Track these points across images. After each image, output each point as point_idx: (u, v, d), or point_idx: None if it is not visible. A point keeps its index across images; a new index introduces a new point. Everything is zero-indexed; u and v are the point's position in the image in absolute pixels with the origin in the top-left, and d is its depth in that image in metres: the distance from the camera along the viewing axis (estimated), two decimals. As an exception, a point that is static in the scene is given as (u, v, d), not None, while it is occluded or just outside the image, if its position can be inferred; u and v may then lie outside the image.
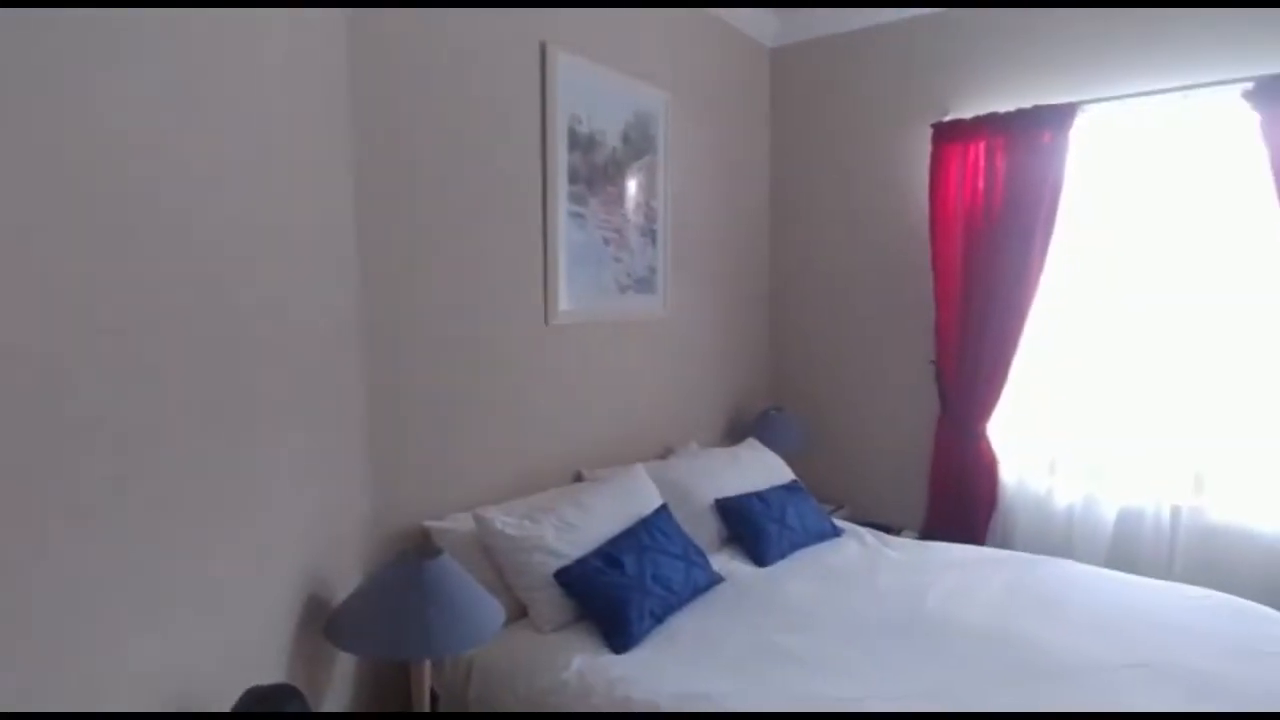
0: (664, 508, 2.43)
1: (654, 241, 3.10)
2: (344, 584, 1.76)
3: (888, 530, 3.01)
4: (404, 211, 2.13)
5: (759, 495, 2.74)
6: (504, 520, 2.11)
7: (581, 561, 2.06)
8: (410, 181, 2.14)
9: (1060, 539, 3.04)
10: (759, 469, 2.94)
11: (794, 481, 2.98)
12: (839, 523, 2.88)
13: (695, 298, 3.36)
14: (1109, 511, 2.98)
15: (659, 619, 2.03)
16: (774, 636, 1.97)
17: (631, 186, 2.97)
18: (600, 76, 2.77)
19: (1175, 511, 2.85)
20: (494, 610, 1.72)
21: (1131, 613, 2.06)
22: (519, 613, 2.05)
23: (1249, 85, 2.57)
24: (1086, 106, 2.90)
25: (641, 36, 2.97)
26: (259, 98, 1.39)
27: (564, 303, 2.66)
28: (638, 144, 2.99)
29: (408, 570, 1.63)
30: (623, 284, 2.96)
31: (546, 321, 2.60)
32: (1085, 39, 2.97)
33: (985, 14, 3.17)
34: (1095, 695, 1.66)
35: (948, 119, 3.21)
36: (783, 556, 2.54)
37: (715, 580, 2.30)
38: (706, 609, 2.14)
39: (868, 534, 2.78)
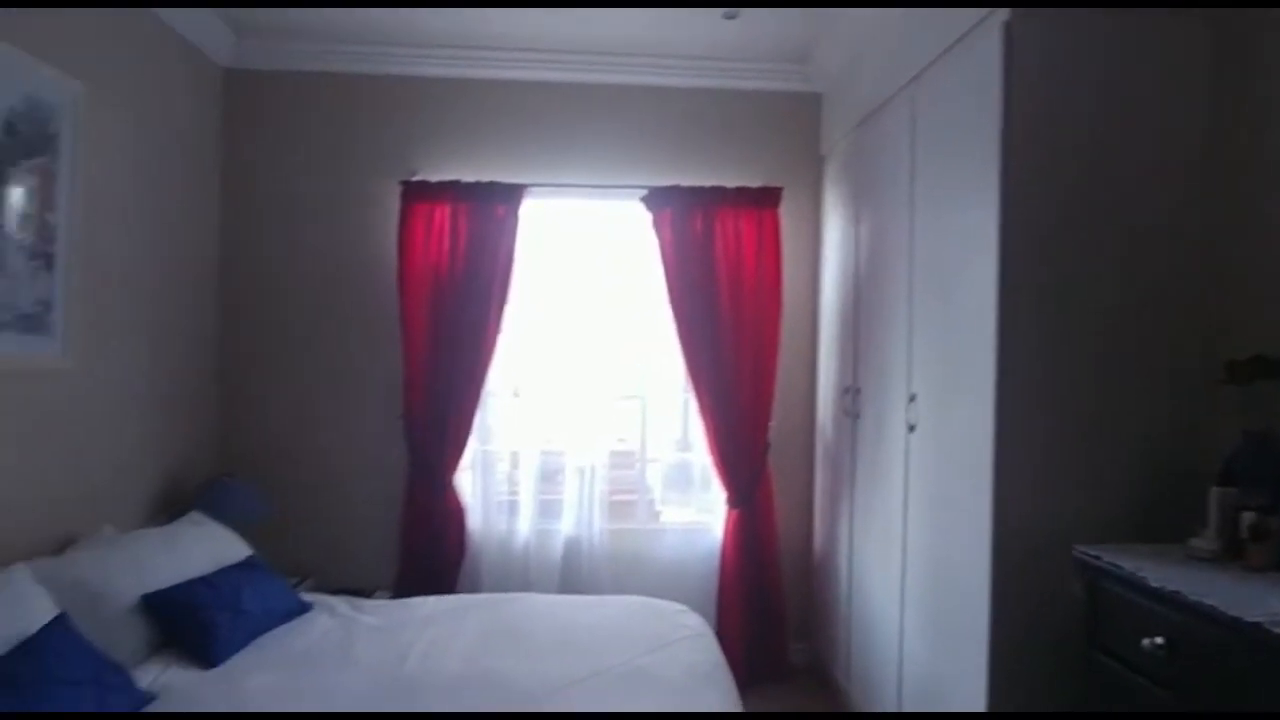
0: (60, 620, 1.80)
1: (50, 267, 2.38)
2: None
3: (362, 595, 2.83)
4: None
5: (204, 580, 2.28)
6: None
7: (-96, 727, 1.37)
8: None
9: (520, 575, 3.32)
10: (204, 549, 2.45)
11: (250, 557, 2.57)
12: (307, 596, 2.58)
13: (115, 344, 2.68)
14: (557, 543, 3.38)
15: (51, 777, 1.47)
16: (227, 752, 1.62)
17: (16, 193, 2.24)
18: (-35, 37, 2.04)
19: (603, 534, 3.40)
20: None
21: (582, 630, 2.33)
22: None
23: (644, 192, 3.33)
24: (533, 189, 3.34)
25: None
26: None
27: (-118, 342, 1.82)
28: (29, 140, 2.27)
29: None
30: (-4, 320, 2.18)
31: None
32: (530, 134, 3.43)
33: (453, 84, 3.40)
34: (564, 711, 1.81)
35: (416, 178, 3.31)
36: (239, 649, 2.14)
37: (142, 701, 1.80)
38: (130, 742, 1.65)
39: (340, 603, 2.56)
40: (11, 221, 2.23)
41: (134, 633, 2.06)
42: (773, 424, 3.40)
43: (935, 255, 2.35)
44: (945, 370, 2.27)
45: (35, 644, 1.68)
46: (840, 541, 3.13)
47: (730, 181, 3.38)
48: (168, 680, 1.95)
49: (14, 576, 1.85)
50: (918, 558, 2.42)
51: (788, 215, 3.42)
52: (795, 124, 3.53)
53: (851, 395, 3.03)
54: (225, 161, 3.38)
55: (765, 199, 3.37)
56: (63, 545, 2.33)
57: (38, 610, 1.80)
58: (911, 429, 2.46)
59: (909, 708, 2.45)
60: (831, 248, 3.38)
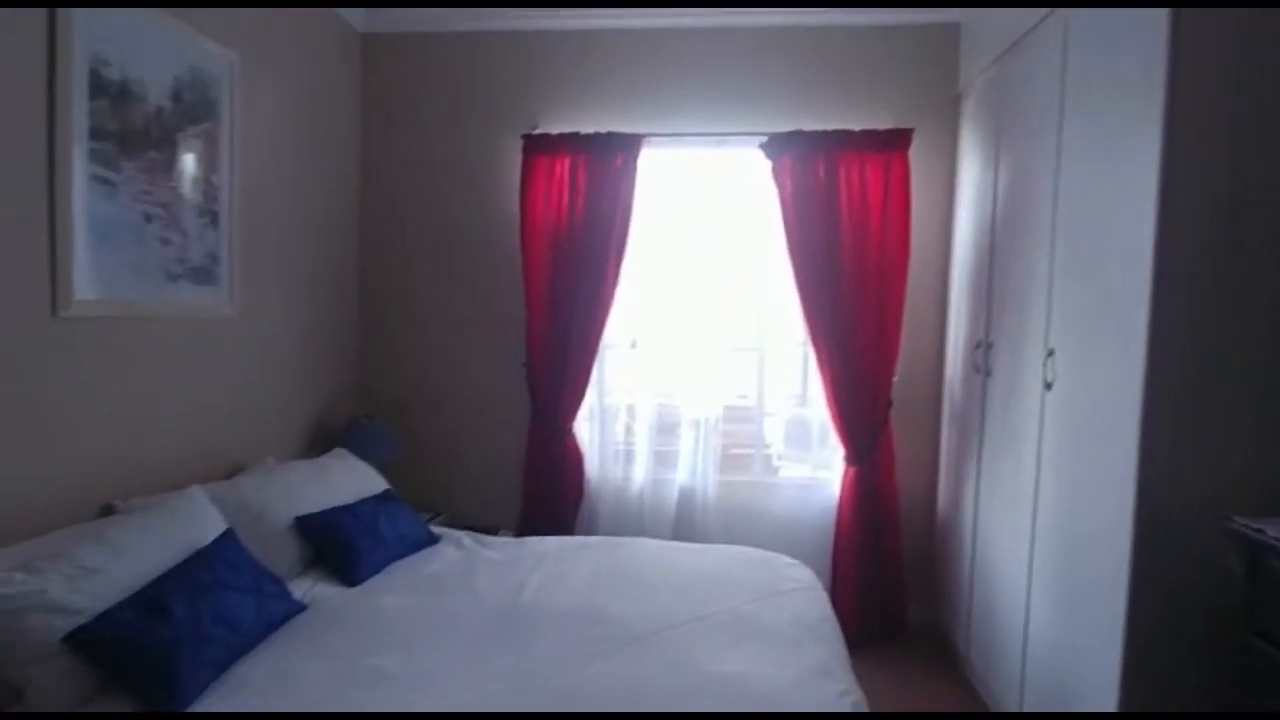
0: (228, 534, 2.05)
1: (215, 224, 2.63)
2: None
3: (486, 532, 3.02)
4: None
5: (348, 509, 2.50)
6: (-21, 577, 1.55)
7: (106, 616, 1.61)
8: None
9: (634, 521, 3.41)
10: (348, 480, 2.69)
11: (387, 491, 2.79)
12: (437, 529, 2.79)
13: (270, 294, 2.95)
14: (672, 492, 3.43)
15: (222, 667, 1.69)
16: (363, 660, 1.79)
17: (186, 156, 2.49)
18: (140, 13, 2.26)
19: (716, 485, 3.41)
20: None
21: (690, 575, 2.38)
22: (12, 697, 1.53)
23: (764, 139, 3.23)
24: (650, 139, 3.32)
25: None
26: None
27: (83, 290, 2.09)
28: (194, 107, 2.51)
29: None
30: (174, 272, 2.45)
31: (55, 313, 2.01)
32: (647, 83, 3.39)
33: (572, 36, 3.42)
34: (666, 651, 1.86)
35: (537, 132, 3.37)
36: (376, 572, 2.35)
37: (295, 610, 2.02)
38: (285, 645, 1.85)
39: (466, 537, 2.74)
40: (184, 183, 2.49)
41: (288, 550, 2.31)
42: (896, 379, 3.26)
43: (1083, 200, 2.14)
44: (1089, 324, 2.08)
45: (209, 553, 1.92)
46: (965, 503, 2.99)
47: (856, 124, 3.21)
48: (317, 594, 2.18)
49: (191, 495, 2.12)
50: (1050, 523, 2.27)
51: (918, 158, 3.21)
52: (928, 59, 3.28)
53: (983, 350, 2.85)
54: (364, 122, 3.58)
55: (894, 142, 3.17)
56: (232, 471, 2.64)
57: (211, 525, 2.05)
58: (1048, 386, 2.28)
59: (1033, 680, 2.34)
60: (966, 192, 3.15)
